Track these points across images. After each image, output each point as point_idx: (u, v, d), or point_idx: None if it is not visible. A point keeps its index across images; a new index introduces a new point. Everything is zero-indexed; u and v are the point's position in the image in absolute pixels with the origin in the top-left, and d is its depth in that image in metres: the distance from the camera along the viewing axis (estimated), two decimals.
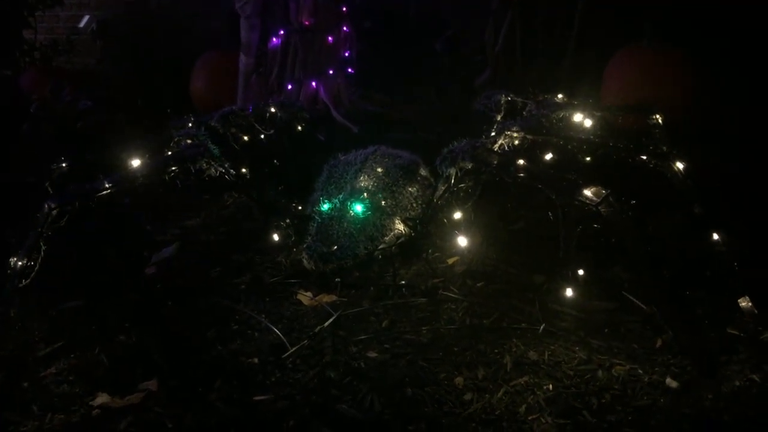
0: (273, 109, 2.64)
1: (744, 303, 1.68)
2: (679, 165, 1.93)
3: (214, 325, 1.86)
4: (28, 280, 1.75)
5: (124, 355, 1.72)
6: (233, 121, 2.58)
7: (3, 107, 4.26)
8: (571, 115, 2.14)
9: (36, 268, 1.75)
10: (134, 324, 1.87)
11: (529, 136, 2.04)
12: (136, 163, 1.96)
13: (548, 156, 2.12)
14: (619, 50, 3.54)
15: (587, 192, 1.62)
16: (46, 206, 1.77)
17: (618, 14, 3.70)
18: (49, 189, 1.97)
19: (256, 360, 1.68)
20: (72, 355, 1.72)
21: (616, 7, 3.69)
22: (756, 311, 1.66)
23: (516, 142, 2.03)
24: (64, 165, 2.03)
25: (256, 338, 1.79)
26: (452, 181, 2.05)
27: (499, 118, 2.28)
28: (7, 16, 5.27)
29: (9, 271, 1.75)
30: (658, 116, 2.12)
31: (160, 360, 1.69)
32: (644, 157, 1.94)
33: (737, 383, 1.51)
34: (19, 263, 1.75)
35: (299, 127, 2.70)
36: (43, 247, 1.75)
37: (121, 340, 1.80)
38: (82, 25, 5.89)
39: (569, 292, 1.89)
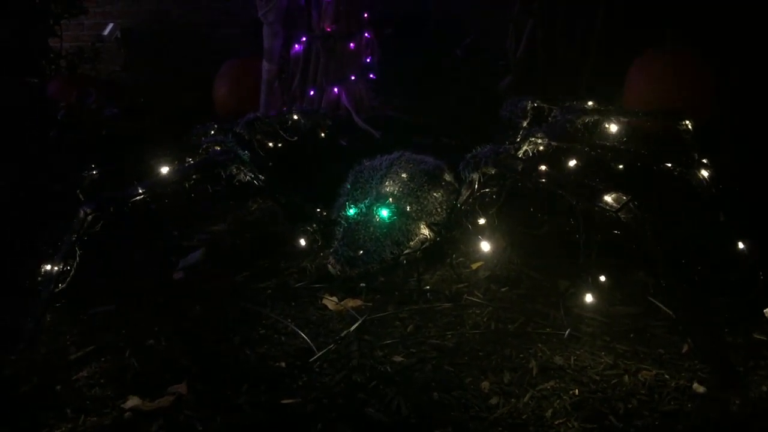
0: (296, 116, 2.67)
1: None
2: (704, 173, 1.91)
3: (241, 330, 1.88)
4: (64, 285, 1.77)
5: (154, 359, 1.75)
6: (258, 127, 2.61)
7: (31, 115, 4.32)
8: (597, 121, 2.14)
9: (72, 273, 1.77)
10: (163, 328, 1.90)
11: (553, 143, 2.04)
12: (165, 169, 1.99)
13: (572, 162, 2.12)
14: (641, 54, 3.54)
15: (608, 198, 1.62)
16: (82, 212, 1.78)
17: (639, 18, 3.69)
18: (81, 196, 2.00)
19: (283, 364, 1.70)
20: (103, 359, 1.75)
21: (637, 11, 3.68)
22: None
23: (540, 148, 2.03)
24: (95, 172, 2.06)
25: (282, 342, 1.81)
26: (476, 186, 2.07)
27: (525, 124, 2.28)
28: (33, 24, 5.35)
29: (45, 276, 1.77)
30: (687, 122, 2.11)
31: (188, 364, 1.71)
32: (669, 165, 1.93)
33: (765, 388, 1.51)
34: (55, 268, 1.76)
35: (322, 134, 2.73)
36: (79, 252, 1.77)
37: (151, 344, 1.83)
38: (106, 33, 5.97)
39: (590, 298, 1.88)
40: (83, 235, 1.78)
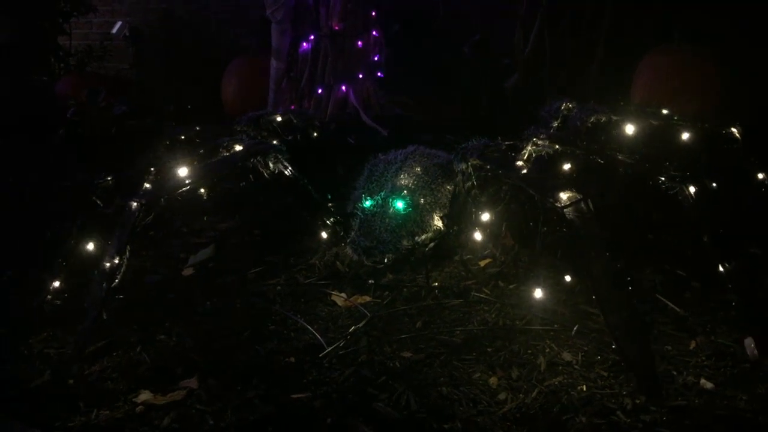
0: (281, 117, 2.67)
1: (749, 345, 1.63)
2: (692, 189, 1.78)
3: (251, 325, 1.90)
4: (117, 282, 1.73)
5: (165, 354, 1.77)
6: (263, 124, 2.63)
7: (42, 112, 4.35)
8: (616, 124, 2.12)
9: (123, 269, 1.73)
10: (174, 324, 1.92)
11: (557, 146, 2.04)
12: (183, 170, 1.94)
13: (567, 166, 2.13)
14: (649, 52, 3.53)
15: (563, 195, 1.60)
16: (135, 203, 1.73)
17: (647, 16, 3.69)
18: (98, 201, 1.99)
19: (292, 359, 1.72)
20: (115, 354, 1.77)
21: (645, 8, 3.68)
22: (758, 355, 1.59)
23: (545, 150, 2.04)
24: (109, 179, 2.02)
25: (292, 338, 1.83)
26: (466, 176, 2.10)
27: (555, 124, 2.27)
28: (43, 23, 5.39)
29: (100, 273, 1.73)
30: (734, 129, 2.06)
31: (199, 359, 1.73)
32: (662, 178, 1.82)
33: None
34: (107, 264, 1.71)
35: (315, 134, 2.74)
36: (129, 248, 1.73)
37: (162, 339, 1.84)
38: (114, 31, 6.00)
39: (539, 293, 1.91)
40: (137, 228, 1.74)
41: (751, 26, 3.47)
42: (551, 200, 1.61)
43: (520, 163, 1.86)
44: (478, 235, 2.20)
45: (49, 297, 1.99)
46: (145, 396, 1.57)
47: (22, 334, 1.87)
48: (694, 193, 1.76)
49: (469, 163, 2.08)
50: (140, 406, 1.54)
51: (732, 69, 3.34)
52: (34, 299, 2.02)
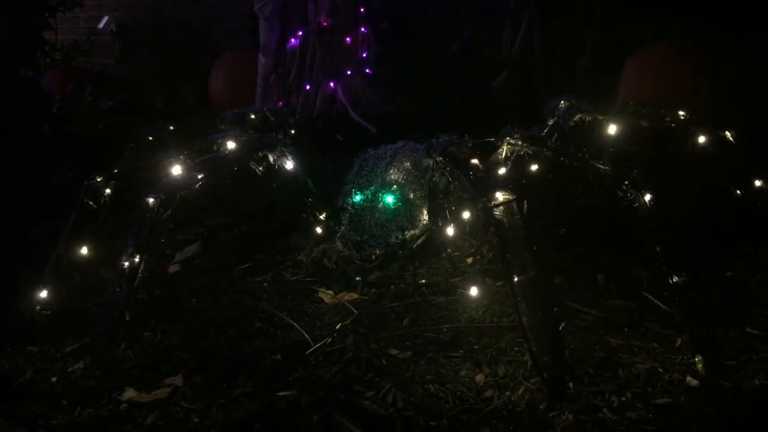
0: (255, 115, 2.66)
1: (699, 364, 1.62)
2: (647, 197, 1.68)
3: (237, 323, 1.89)
4: (137, 282, 1.70)
5: (150, 351, 1.76)
6: (249, 121, 2.62)
7: (27, 108, 4.31)
8: (600, 124, 2.11)
9: (142, 267, 1.70)
10: (159, 321, 1.90)
11: (531, 146, 2.04)
12: (177, 166, 1.92)
13: (534, 167, 2.15)
14: (639, 49, 3.53)
15: (498, 195, 1.60)
16: (152, 200, 1.71)
17: (638, 13, 3.68)
18: (91, 203, 1.96)
19: (279, 356, 1.71)
20: (99, 351, 1.75)
21: (636, 6, 3.68)
22: (704, 373, 1.53)
23: (522, 151, 2.05)
24: (99, 179, 1.98)
25: (278, 335, 1.82)
26: (437, 171, 2.11)
27: (550, 122, 2.27)
28: (28, 17, 5.35)
29: (121, 271, 1.70)
30: (728, 133, 2.04)
31: (184, 356, 1.72)
32: (625, 183, 1.72)
33: (757, 382, 1.52)
34: (126, 264, 1.68)
35: (292, 131, 2.74)
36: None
37: (147, 336, 1.83)
38: (101, 26, 5.95)
39: (475, 291, 1.93)
40: (156, 225, 1.72)
41: (747, 25, 3.46)
42: (484, 199, 1.61)
43: (474, 161, 1.86)
44: (450, 230, 2.18)
45: (38, 302, 1.96)
46: (129, 394, 1.56)
47: (9, 334, 1.85)
48: (649, 201, 1.68)
49: (434, 159, 2.10)
50: (124, 404, 1.53)
51: (725, 68, 3.34)
52: (20, 299, 2.00)
